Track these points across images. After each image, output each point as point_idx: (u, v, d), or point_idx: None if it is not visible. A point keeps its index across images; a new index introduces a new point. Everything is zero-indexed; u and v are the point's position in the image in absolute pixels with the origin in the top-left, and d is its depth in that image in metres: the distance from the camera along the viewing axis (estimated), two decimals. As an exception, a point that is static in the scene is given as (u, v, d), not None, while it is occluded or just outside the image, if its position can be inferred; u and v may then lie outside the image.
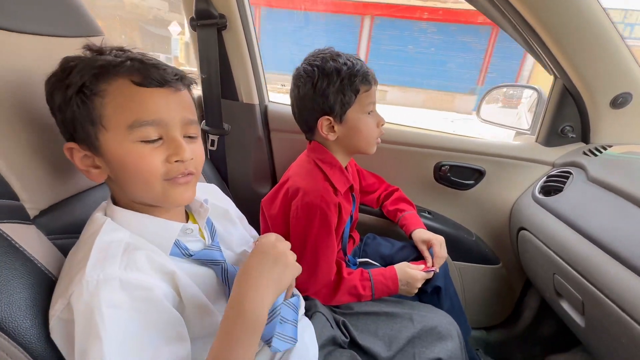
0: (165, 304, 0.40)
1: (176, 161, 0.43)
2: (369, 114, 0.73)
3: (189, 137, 0.46)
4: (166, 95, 0.43)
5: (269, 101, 1.07)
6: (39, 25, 0.55)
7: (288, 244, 0.49)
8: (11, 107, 0.47)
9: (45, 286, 0.42)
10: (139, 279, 0.39)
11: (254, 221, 0.73)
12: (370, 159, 0.84)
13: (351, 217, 0.82)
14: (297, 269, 0.48)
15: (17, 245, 0.42)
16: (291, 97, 0.77)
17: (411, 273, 0.71)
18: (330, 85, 0.68)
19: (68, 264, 0.43)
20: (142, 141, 0.41)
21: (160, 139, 0.43)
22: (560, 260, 0.69)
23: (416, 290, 0.73)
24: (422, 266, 0.76)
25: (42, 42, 0.54)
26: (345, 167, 0.80)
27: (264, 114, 1.04)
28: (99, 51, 0.44)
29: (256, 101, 1.01)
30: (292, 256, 0.48)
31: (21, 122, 0.48)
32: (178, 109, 0.44)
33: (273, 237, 0.49)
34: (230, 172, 1.06)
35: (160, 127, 0.42)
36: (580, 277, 0.63)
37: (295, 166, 0.79)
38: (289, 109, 0.81)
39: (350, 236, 0.88)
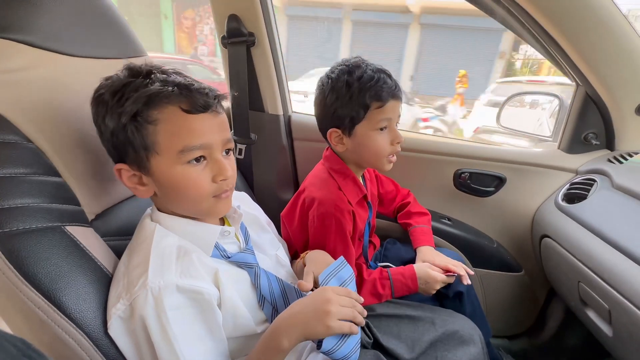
0: (214, 305, 0.46)
1: (221, 180, 0.48)
2: (381, 129, 0.70)
3: (225, 151, 0.51)
4: (210, 119, 0.47)
5: (292, 111, 1.12)
6: (94, 48, 0.61)
7: (344, 300, 0.47)
8: (73, 126, 0.53)
9: (104, 282, 0.48)
10: (192, 284, 0.44)
11: (277, 225, 0.76)
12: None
13: (369, 223, 0.84)
14: (333, 329, 0.45)
15: (81, 246, 0.47)
16: (314, 104, 0.79)
17: (431, 273, 0.72)
18: (338, 99, 0.69)
19: (123, 265, 0.48)
20: (189, 162, 0.46)
21: (204, 158, 0.48)
22: (585, 268, 0.68)
23: (434, 291, 0.73)
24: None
25: (96, 65, 0.60)
26: (362, 175, 0.82)
27: (287, 124, 1.09)
28: (138, 73, 0.46)
29: (281, 112, 1.05)
30: (340, 313, 0.46)
31: (80, 138, 0.54)
32: (219, 131, 0.49)
33: (329, 292, 0.48)
34: (255, 179, 1.11)
35: (205, 150, 0.47)
36: (606, 285, 0.62)
37: (311, 176, 0.81)
38: (310, 119, 0.84)
39: (370, 241, 0.91)
